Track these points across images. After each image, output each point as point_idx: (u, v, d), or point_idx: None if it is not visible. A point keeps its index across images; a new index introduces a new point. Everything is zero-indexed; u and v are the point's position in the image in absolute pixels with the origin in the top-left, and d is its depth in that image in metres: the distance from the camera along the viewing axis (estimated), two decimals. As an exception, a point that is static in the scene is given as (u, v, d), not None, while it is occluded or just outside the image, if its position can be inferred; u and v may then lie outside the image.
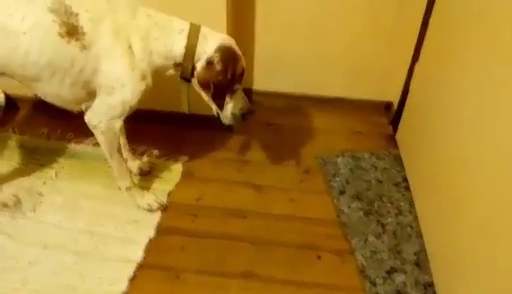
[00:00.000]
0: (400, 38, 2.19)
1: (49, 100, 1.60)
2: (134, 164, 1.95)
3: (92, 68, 1.48)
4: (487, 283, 1.34)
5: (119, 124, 1.58)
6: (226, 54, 1.54)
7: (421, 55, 2.04)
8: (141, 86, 1.53)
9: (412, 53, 2.12)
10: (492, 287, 1.31)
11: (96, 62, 1.47)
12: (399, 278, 1.67)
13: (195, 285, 1.61)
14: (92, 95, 1.57)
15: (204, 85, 1.58)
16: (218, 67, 1.53)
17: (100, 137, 1.61)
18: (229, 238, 1.77)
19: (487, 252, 1.36)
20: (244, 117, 1.66)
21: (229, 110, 1.63)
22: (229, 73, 1.54)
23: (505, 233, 1.27)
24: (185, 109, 1.68)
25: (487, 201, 1.39)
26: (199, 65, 1.55)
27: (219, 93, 1.58)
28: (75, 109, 1.65)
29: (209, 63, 1.53)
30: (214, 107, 1.65)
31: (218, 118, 1.68)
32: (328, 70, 2.36)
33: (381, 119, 2.39)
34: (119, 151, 1.70)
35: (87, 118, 1.58)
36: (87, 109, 1.60)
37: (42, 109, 1.83)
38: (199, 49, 1.53)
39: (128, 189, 1.78)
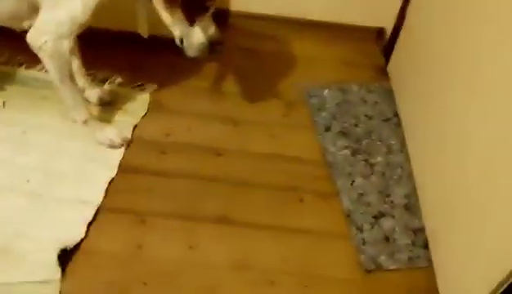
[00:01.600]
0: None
1: (-16, 17, 1.35)
2: (93, 93, 1.71)
3: None
4: (482, 230, 1.25)
5: (67, 44, 1.35)
6: None
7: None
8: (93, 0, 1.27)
9: (412, -29, 1.90)
10: (488, 233, 1.22)
11: None
12: (387, 222, 1.55)
13: (163, 230, 1.46)
14: (35, 9, 1.33)
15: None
16: None
17: (46, 61, 1.38)
18: (202, 179, 1.60)
19: (482, 196, 1.27)
20: (212, 47, 1.43)
21: (196, 37, 1.39)
22: None
23: (502, 176, 1.18)
24: (142, 31, 1.45)
25: (484, 141, 1.29)
26: None
27: (186, 4, 1.32)
28: (17, 27, 1.41)
29: None
30: (178, 32, 1.41)
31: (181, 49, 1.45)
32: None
33: (372, 47, 2.18)
34: (72, 77, 1.47)
35: (30, 37, 1.35)
36: (30, 28, 1.35)
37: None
38: None
39: (85, 121, 1.57)
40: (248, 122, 1.79)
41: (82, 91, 1.65)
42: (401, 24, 1.98)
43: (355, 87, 1.96)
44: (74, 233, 1.39)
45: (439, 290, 1.40)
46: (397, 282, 1.43)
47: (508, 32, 1.22)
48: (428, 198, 1.57)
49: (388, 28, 2.13)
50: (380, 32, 2.20)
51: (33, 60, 1.71)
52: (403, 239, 1.51)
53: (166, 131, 1.72)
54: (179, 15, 1.36)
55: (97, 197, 1.48)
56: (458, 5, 1.50)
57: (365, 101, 1.92)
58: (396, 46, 2.03)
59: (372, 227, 1.53)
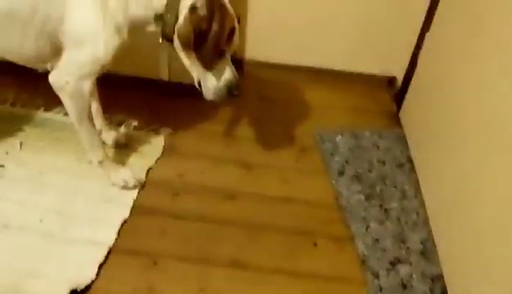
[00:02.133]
0: (409, 4, 2.00)
1: (9, 57, 1.40)
2: (109, 135, 1.73)
3: (57, 16, 1.28)
4: (502, 276, 1.21)
5: (88, 85, 1.37)
6: (214, 1, 1.31)
7: (433, 24, 1.87)
8: (116, 41, 1.32)
9: (422, 22, 1.95)
10: (507, 280, 1.18)
11: (62, 9, 1.27)
12: (404, 269, 1.51)
13: (175, 273, 1.42)
14: (58, 51, 1.36)
15: (186, 42, 1.35)
16: (202, 12, 1.29)
17: (67, 101, 1.40)
18: (215, 222, 1.58)
19: (500, 241, 1.23)
20: (229, 91, 1.42)
21: (213, 81, 1.41)
22: (215, 23, 1.30)
23: None
24: (164, 75, 1.47)
25: (499, 185, 1.27)
26: (182, 16, 1.32)
27: (202, 50, 1.34)
28: (40, 67, 1.43)
29: (193, 8, 1.30)
30: (196, 74, 1.42)
31: (200, 92, 1.46)
32: (327, 40, 2.17)
33: (384, 95, 2.20)
34: (90, 119, 1.49)
35: (52, 78, 1.37)
36: (52, 69, 1.39)
37: (7, 70, 1.61)
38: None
39: (101, 163, 1.57)
40: (261, 166, 1.79)
41: (99, 133, 1.67)
42: (412, 72, 2.01)
43: (367, 133, 1.96)
44: (85, 274, 1.37)
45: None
46: (416, 332, 1.38)
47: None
48: (446, 244, 1.53)
49: (399, 76, 2.16)
50: (392, 80, 2.23)
51: (51, 102, 1.77)
52: (420, 286, 1.46)
53: (179, 173, 1.71)
54: (195, 58, 1.39)
55: (110, 238, 1.46)
56: (469, 52, 1.52)
57: (377, 147, 1.91)
58: (407, 94, 2.05)
59: (388, 273, 1.49)
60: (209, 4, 1.29)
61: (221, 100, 1.45)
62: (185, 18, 1.31)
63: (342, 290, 1.45)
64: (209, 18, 1.29)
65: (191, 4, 1.30)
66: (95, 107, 1.65)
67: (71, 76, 1.35)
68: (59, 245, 1.44)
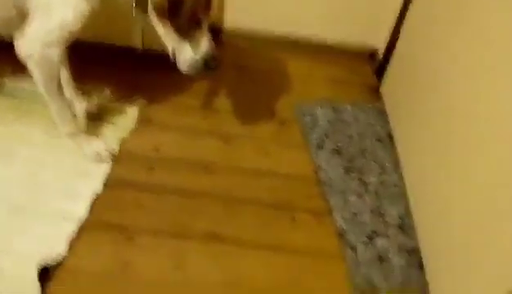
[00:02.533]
0: (392, -25, 1.95)
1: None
2: (81, 106, 1.67)
3: None
4: (479, 251, 1.22)
5: (57, 54, 1.31)
6: None
7: (416, -5, 1.82)
8: (86, 6, 1.25)
9: (406, -7, 1.91)
10: (485, 254, 1.19)
11: None
12: (381, 242, 1.51)
13: (150, 248, 1.39)
14: (25, 17, 1.28)
15: (160, 10, 1.28)
16: None
17: (34, 70, 1.33)
18: (191, 195, 1.54)
19: (479, 216, 1.24)
20: (206, 64, 1.36)
21: (189, 52, 1.34)
22: None
23: (501, 194, 1.15)
24: (138, 43, 1.41)
25: (479, 161, 1.27)
26: None
27: (178, 19, 1.27)
28: (6, 35, 1.35)
29: None
30: (171, 45, 1.36)
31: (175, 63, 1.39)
32: (308, 10, 2.10)
33: (365, 68, 2.17)
34: (60, 89, 1.42)
35: (18, 46, 1.30)
36: (19, 36, 1.31)
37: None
38: None
39: (72, 134, 1.51)
40: (239, 139, 1.75)
41: (70, 103, 1.60)
42: (394, 46, 1.98)
43: (348, 107, 1.94)
44: (55, 250, 1.32)
45: (435, 312, 1.36)
46: (392, 304, 1.38)
47: (503, 53, 1.21)
48: (423, 217, 1.53)
49: (381, 49, 2.13)
50: (373, 53, 2.20)
51: (20, 71, 1.68)
52: (398, 259, 1.46)
53: (155, 146, 1.66)
54: (170, 27, 1.33)
55: (81, 212, 1.42)
56: (452, 26, 1.50)
57: (357, 120, 1.89)
58: (388, 68, 2.02)
59: (366, 246, 1.48)
60: None
61: (196, 72, 1.39)
62: None
63: (320, 263, 1.44)
64: None
65: None
66: (65, 76, 1.58)
67: (38, 43, 1.28)
68: (28, 219, 1.38)
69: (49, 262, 1.29)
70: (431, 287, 1.40)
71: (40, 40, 1.28)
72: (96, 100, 1.73)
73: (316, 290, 1.38)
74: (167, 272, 1.35)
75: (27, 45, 1.29)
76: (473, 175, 1.28)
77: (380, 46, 2.13)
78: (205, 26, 1.36)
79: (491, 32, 1.29)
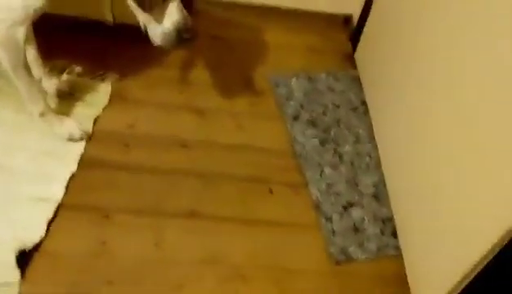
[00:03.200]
0: None
1: None
2: (50, 83, 1.62)
3: None
4: (449, 217, 1.26)
5: (22, 32, 1.25)
6: None
7: (390, -40, 1.79)
8: (48, -17, 1.19)
9: (380, -43, 1.88)
10: (455, 220, 1.24)
11: None
12: (356, 212, 1.55)
13: (128, 227, 1.40)
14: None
15: None
16: None
17: (-1, 50, 1.27)
18: (168, 172, 1.54)
19: (449, 183, 1.27)
20: (180, 35, 1.29)
21: (159, 26, 1.28)
22: None
23: (469, 162, 1.19)
24: (108, 18, 1.35)
25: (450, 128, 1.29)
26: None
27: None
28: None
29: None
30: (141, 16, 1.30)
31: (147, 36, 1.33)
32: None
33: (340, 35, 2.15)
34: (27, 68, 1.38)
35: (-20, 24, 1.24)
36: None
37: None
38: None
39: (42, 114, 1.48)
40: (214, 112, 1.74)
41: (38, 81, 1.56)
42: (369, 12, 1.96)
43: (323, 76, 1.93)
44: (33, 233, 1.31)
45: (408, 278, 1.41)
46: (367, 272, 1.43)
47: (473, 18, 1.22)
48: (396, 186, 1.57)
49: (356, 15, 2.10)
50: (347, 19, 2.17)
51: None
52: (372, 229, 1.51)
53: (129, 122, 1.64)
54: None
55: (57, 193, 1.40)
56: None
57: (332, 90, 1.89)
58: (363, 34, 2.01)
59: (341, 217, 1.52)
60: None
61: (171, 45, 1.32)
62: None
63: (297, 234, 1.48)
64: None
65: None
66: (32, 54, 1.52)
67: (1, 23, 1.22)
68: (3, 204, 1.37)
69: (28, 246, 1.28)
70: (404, 254, 1.45)
71: (3, 19, 1.22)
72: (66, 77, 1.69)
73: (294, 261, 1.42)
74: (146, 250, 1.37)
75: (-12, 25, 1.24)
76: (444, 144, 1.31)
77: (355, 11, 2.11)
78: None
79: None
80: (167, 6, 1.27)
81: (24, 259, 1.27)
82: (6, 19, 1.23)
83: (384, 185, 1.61)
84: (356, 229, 1.50)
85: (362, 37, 2.01)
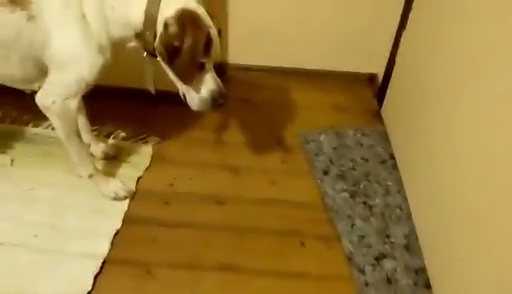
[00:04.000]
0: (385, 3, 2.05)
1: (-4, 79, 1.42)
2: (98, 148, 1.77)
3: (41, 41, 1.31)
4: (483, 267, 1.25)
5: (75, 104, 1.40)
6: (186, 16, 1.31)
7: (409, 21, 1.91)
8: (99, 61, 1.35)
9: (399, 19, 2.00)
10: (489, 270, 1.23)
11: (45, 34, 1.29)
12: (389, 264, 1.56)
13: (169, 280, 1.47)
14: (44, 73, 1.39)
15: (163, 58, 1.37)
16: (173, 29, 1.30)
17: (54, 120, 1.43)
18: (205, 227, 1.62)
19: (481, 232, 1.28)
20: (215, 101, 1.43)
21: (195, 93, 1.42)
22: (188, 39, 1.30)
23: (501, 217, 1.19)
24: (150, 88, 1.50)
25: (480, 178, 1.30)
26: (158, 33, 1.34)
27: (179, 65, 1.35)
28: (28, 88, 1.46)
29: (165, 25, 1.31)
30: (180, 86, 1.44)
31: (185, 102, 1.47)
32: (307, 41, 2.21)
33: (365, 93, 2.25)
34: (78, 134, 1.52)
35: (39, 98, 1.40)
36: (40, 89, 1.42)
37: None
38: (160, 15, 1.33)
39: (91, 176, 1.61)
40: (248, 170, 1.83)
41: (87, 146, 1.70)
42: (392, 69, 2.05)
43: (350, 132, 2.01)
44: (80, 287, 1.40)
45: (443, 330, 1.40)
46: (402, 324, 1.43)
47: (495, 71, 1.26)
48: (428, 237, 1.58)
49: (380, 73, 2.20)
50: (372, 77, 2.28)
51: (39, 118, 1.79)
52: (405, 280, 1.52)
53: (169, 181, 1.75)
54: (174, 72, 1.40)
55: (104, 249, 1.50)
56: (445, 48, 1.56)
57: (361, 145, 1.96)
58: (388, 91, 2.09)
59: (374, 269, 1.54)
60: (180, 20, 1.30)
61: (207, 110, 1.46)
62: (160, 35, 1.33)
63: (330, 287, 1.50)
64: (181, 34, 1.30)
65: (164, 21, 1.31)
66: (82, 122, 1.68)
67: (57, 96, 1.37)
68: (54, 260, 1.47)
69: (76, 299, 1.37)
70: (438, 305, 1.45)
71: (58, 94, 1.37)
72: (112, 142, 1.84)
73: (328, 313, 1.45)
74: (185, 302, 1.43)
75: (47, 98, 1.39)
76: (473, 194, 1.33)
77: (379, 70, 2.21)
78: (210, 66, 1.43)
79: (484, 51, 1.33)
80: (204, 76, 1.42)
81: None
82: (62, 94, 1.38)
83: (416, 237, 1.63)
84: (389, 281, 1.51)
85: (388, 94, 2.09)
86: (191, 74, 1.38)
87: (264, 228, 1.64)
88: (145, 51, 1.42)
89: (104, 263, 1.48)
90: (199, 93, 1.42)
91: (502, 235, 1.18)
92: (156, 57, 1.41)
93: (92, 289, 1.41)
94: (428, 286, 1.50)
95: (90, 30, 1.31)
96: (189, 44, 1.31)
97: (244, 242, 1.59)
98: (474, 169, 1.33)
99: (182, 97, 1.48)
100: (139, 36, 1.37)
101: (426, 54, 1.71)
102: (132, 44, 1.41)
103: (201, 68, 1.40)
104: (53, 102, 1.38)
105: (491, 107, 1.27)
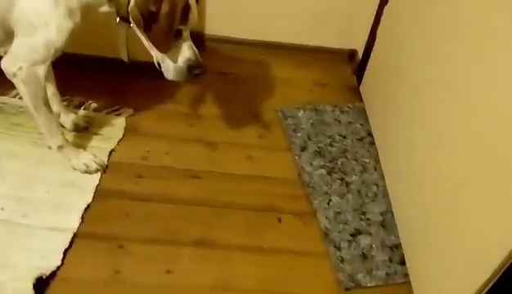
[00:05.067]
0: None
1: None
2: (68, 118, 1.69)
3: (5, 3, 1.23)
4: (457, 243, 1.27)
5: (42, 70, 1.34)
6: None
7: (391, -3, 1.88)
8: (68, 24, 1.28)
9: (381, -5, 1.97)
10: (463, 246, 1.24)
11: None
12: (364, 240, 1.57)
13: (142, 256, 1.43)
14: (10, 36, 1.31)
15: (138, 24, 1.31)
16: None
17: (21, 87, 1.36)
18: (180, 202, 1.59)
19: (456, 210, 1.29)
20: (191, 71, 1.39)
21: (171, 61, 1.38)
22: (166, 4, 1.25)
23: (475, 189, 1.20)
24: (123, 56, 1.44)
25: (455, 157, 1.31)
26: None
27: (156, 32, 1.30)
28: (-8, 52, 1.38)
29: None
30: (155, 54, 1.39)
31: (161, 72, 1.42)
32: (288, 15, 2.16)
33: (345, 69, 2.23)
34: (47, 103, 1.45)
35: (4, 63, 1.33)
36: (5, 54, 1.34)
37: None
38: None
39: (60, 147, 1.54)
40: (224, 145, 1.80)
41: (57, 116, 1.63)
42: (372, 46, 2.03)
43: (329, 108, 1.99)
44: (50, 261, 1.36)
45: (417, 305, 1.42)
46: (376, 299, 1.44)
47: (476, 50, 1.26)
48: (404, 214, 1.59)
49: (360, 50, 2.18)
50: (352, 54, 2.25)
51: (6, 86, 1.71)
52: (380, 256, 1.53)
53: (142, 155, 1.70)
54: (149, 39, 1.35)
55: (74, 223, 1.45)
56: (425, 24, 1.55)
57: (339, 121, 1.95)
58: (367, 68, 2.07)
59: (350, 245, 1.54)
60: None
61: (183, 79, 1.42)
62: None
63: (306, 263, 1.50)
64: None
65: None
66: (51, 90, 1.60)
67: (24, 61, 1.31)
68: (22, 233, 1.41)
69: (44, 273, 1.32)
70: (413, 281, 1.46)
71: (25, 58, 1.30)
72: (83, 113, 1.76)
73: (303, 288, 1.44)
74: (158, 277, 1.40)
75: (13, 63, 1.32)
76: (449, 172, 1.33)
77: (359, 46, 2.18)
78: (187, 34, 1.38)
79: (466, 29, 1.32)
80: (180, 45, 1.37)
81: (41, 286, 1.30)
82: (29, 59, 1.31)
83: (392, 214, 1.64)
84: (364, 257, 1.52)
85: (367, 71, 2.07)
86: (168, 42, 1.33)
87: (240, 203, 1.61)
88: (119, 16, 1.35)
89: (74, 237, 1.43)
90: (175, 62, 1.37)
91: (476, 214, 1.20)
92: (130, 23, 1.35)
93: (61, 264, 1.36)
94: (402, 262, 1.51)
95: (59, -9, 1.24)
96: (166, 10, 1.25)
97: (220, 217, 1.56)
98: (451, 148, 1.33)
99: (157, 66, 1.42)
100: (112, 0, 1.30)
101: (407, 31, 1.69)
102: (105, 8, 1.34)
103: (178, 36, 1.35)
104: (20, 68, 1.31)
105: (472, 84, 1.26)
